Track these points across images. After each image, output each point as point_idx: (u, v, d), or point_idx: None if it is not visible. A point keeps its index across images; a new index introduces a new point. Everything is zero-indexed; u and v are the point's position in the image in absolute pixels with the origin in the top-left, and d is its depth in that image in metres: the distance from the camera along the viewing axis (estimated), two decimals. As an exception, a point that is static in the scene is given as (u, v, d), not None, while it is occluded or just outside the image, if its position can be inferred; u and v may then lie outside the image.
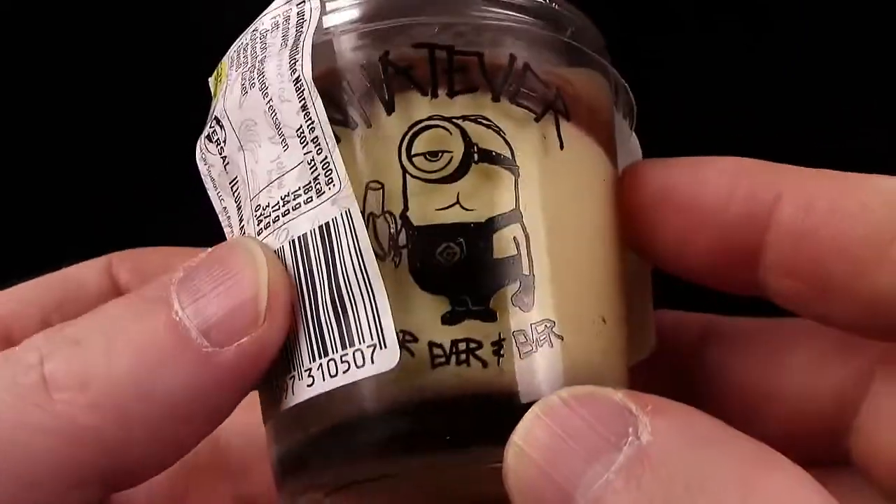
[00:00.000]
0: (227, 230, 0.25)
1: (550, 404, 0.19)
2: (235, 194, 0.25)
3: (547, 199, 0.23)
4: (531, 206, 0.22)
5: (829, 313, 0.24)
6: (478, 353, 0.21)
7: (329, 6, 0.24)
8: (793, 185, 0.24)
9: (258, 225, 0.24)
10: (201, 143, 0.25)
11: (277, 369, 0.23)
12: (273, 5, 0.24)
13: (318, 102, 0.22)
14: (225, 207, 0.25)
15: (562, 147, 0.23)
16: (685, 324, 0.29)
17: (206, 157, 0.25)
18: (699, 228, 0.25)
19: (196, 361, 0.21)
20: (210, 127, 0.25)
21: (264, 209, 0.23)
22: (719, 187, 0.25)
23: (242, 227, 0.24)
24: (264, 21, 0.24)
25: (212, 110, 0.25)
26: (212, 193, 0.25)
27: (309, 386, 0.22)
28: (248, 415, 0.24)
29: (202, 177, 0.25)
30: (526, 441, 0.19)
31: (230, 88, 0.24)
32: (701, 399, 0.26)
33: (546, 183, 0.23)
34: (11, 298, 0.25)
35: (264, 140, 0.23)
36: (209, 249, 0.23)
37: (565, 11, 0.25)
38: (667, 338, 0.28)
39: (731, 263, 0.25)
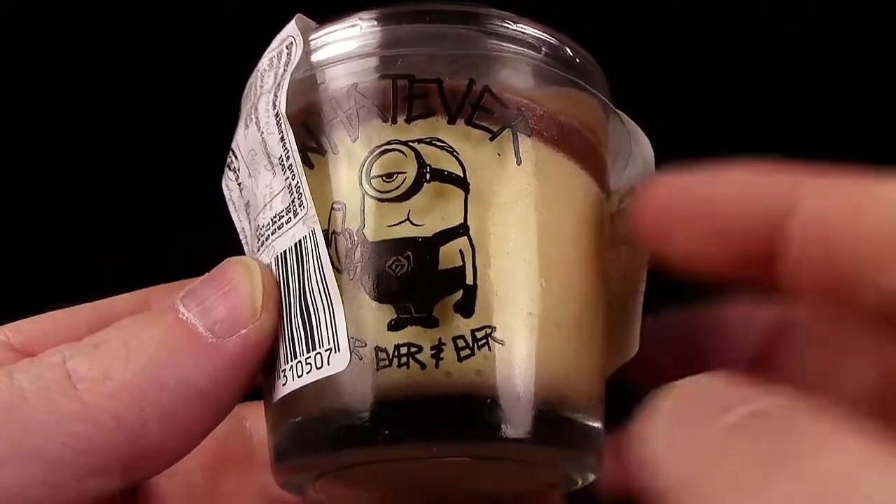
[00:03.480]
0: (245, 248, 0.29)
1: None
2: (248, 216, 0.28)
3: (498, 213, 0.24)
4: (479, 220, 0.24)
5: (853, 309, 0.24)
6: (417, 356, 0.23)
7: (314, 43, 0.26)
8: (812, 183, 0.24)
9: (257, 242, 0.27)
10: (225, 171, 0.29)
11: (268, 367, 0.26)
12: (273, 42, 0.27)
13: (290, 135, 0.25)
14: (242, 228, 0.29)
15: (519, 163, 0.25)
16: (749, 318, 0.29)
17: (227, 184, 0.29)
18: (719, 233, 0.25)
19: (204, 351, 0.24)
20: (229, 157, 0.28)
21: (261, 228, 0.27)
22: (736, 190, 0.25)
23: (251, 245, 0.28)
24: (264, 60, 0.27)
25: (232, 142, 0.29)
26: (233, 216, 0.29)
27: (283, 385, 0.25)
28: None
29: (226, 201, 0.29)
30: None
31: (241, 123, 0.28)
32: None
33: (498, 198, 0.25)
34: (46, 321, 0.28)
35: (262, 168, 0.27)
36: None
37: (545, 35, 0.27)
38: (729, 333, 0.29)
39: (754, 266, 0.25)
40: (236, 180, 0.28)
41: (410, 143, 0.25)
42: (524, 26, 0.27)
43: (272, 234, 0.26)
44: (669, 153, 0.29)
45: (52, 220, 0.40)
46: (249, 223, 0.28)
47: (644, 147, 0.30)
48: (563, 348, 0.24)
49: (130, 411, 0.23)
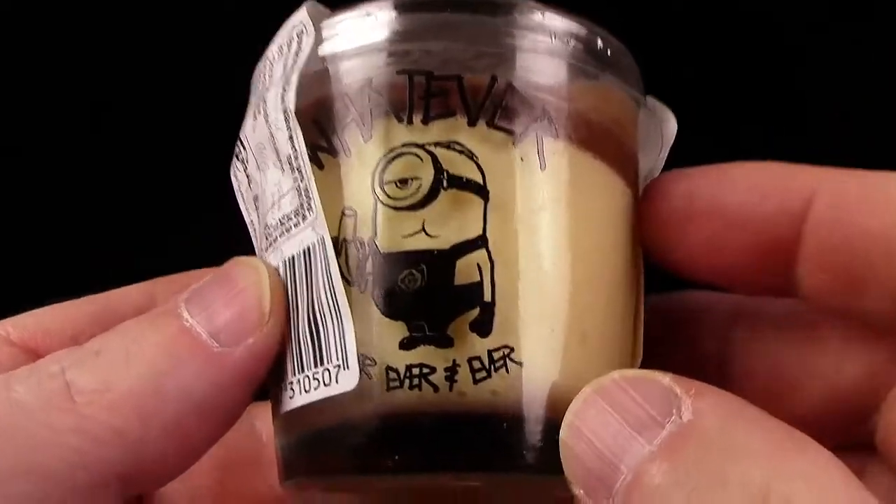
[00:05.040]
0: (254, 241, 0.28)
1: (603, 384, 0.21)
2: (257, 210, 0.27)
3: (519, 224, 0.23)
4: (499, 231, 0.23)
5: (862, 306, 0.24)
6: (430, 377, 0.22)
7: (326, 33, 0.25)
8: (825, 180, 0.24)
9: (266, 241, 0.25)
10: (233, 161, 0.27)
11: (275, 377, 0.25)
12: (282, 29, 0.26)
13: (299, 134, 0.23)
14: (251, 221, 0.27)
15: (543, 168, 0.23)
16: (714, 304, 0.29)
17: (236, 175, 0.27)
18: (732, 230, 0.25)
19: (208, 361, 0.23)
20: (237, 147, 0.27)
21: (269, 228, 0.25)
22: (750, 188, 0.25)
23: (259, 242, 0.26)
24: (272, 48, 0.26)
25: (240, 132, 0.27)
26: (242, 207, 0.28)
27: (290, 398, 0.24)
28: None
29: (235, 192, 0.28)
30: (578, 416, 0.21)
31: (249, 112, 0.26)
32: (731, 378, 0.27)
33: (520, 207, 0.23)
34: (47, 315, 0.27)
35: (270, 164, 0.25)
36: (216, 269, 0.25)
37: (574, 25, 0.25)
38: (696, 318, 0.28)
39: (766, 262, 0.25)
40: (244, 171, 0.27)
41: (427, 147, 0.23)
42: (551, 15, 0.25)
43: (280, 235, 0.25)
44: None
45: (51, 211, 0.39)
46: (258, 217, 0.27)
47: (671, 130, 0.28)
48: (588, 366, 0.23)
49: (130, 424, 0.22)
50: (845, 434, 0.26)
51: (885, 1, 0.36)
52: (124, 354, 0.23)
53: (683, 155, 0.28)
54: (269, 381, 0.25)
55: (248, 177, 0.27)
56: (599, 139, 0.25)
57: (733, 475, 0.19)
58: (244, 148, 0.26)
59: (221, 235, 0.28)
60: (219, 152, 0.28)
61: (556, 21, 0.25)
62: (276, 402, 0.25)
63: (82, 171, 0.39)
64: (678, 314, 0.28)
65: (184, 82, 0.38)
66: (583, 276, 0.24)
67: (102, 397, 0.22)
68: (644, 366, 0.25)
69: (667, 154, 0.28)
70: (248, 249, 0.27)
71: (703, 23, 0.37)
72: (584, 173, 0.24)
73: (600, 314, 0.24)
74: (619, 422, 0.20)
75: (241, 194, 0.27)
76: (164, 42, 0.39)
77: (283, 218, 0.24)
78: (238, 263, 0.25)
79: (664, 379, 0.21)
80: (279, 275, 0.24)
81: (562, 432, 0.21)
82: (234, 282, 0.24)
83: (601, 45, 0.25)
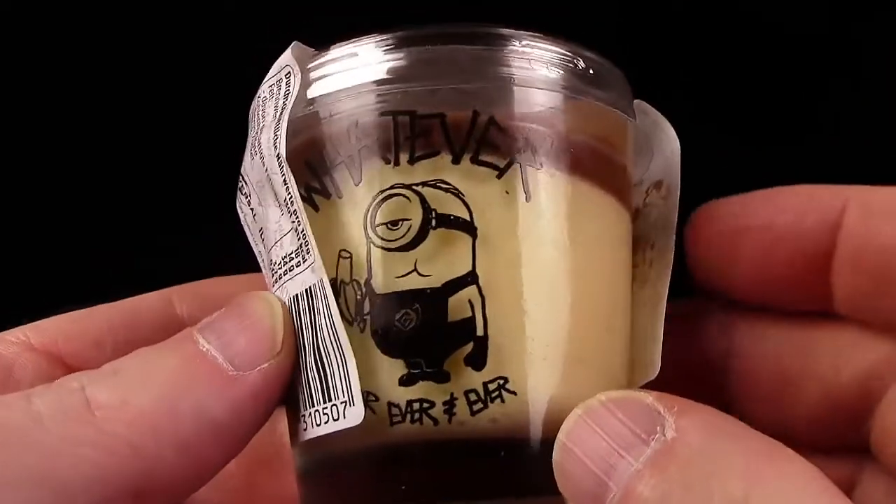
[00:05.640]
0: (263, 271, 0.29)
1: (591, 406, 0.23)
2: (263, 242, 0.28)
3: (507, 257, 0.24)
4: (488, 266, 0.24)
5: (891, 308, 0.26)
6: (430, 412, 0.23)
7: (312, 75, 0.25)
8: (857, 193, 0.27)
9: (271, 277, 0.27)
10: (238, 194, 0.28)
11: (291, 408, 0.26)
12: (272, 69, 0.26)
13: (292, 180, 0.24)
14: (259, 252, 0.29)
15: (528, 199, 0.24)
16: (716, 309, 0.30)
17: (241, 207, 0.28)
18: (778, 245, 0.28)
19: (223, 384, 0.24)
20: (240, 181, 0.28)
21: (274, 265, 0.26)
22: (794, 206, 0.28)
23: (266, 274, 0.28)
24: (264, 86, 0.27)
25: (241, 167, 0.28)
26: (249, 238, 0.29)
27: (304, 430, 0.25)
28: None
29: (241, 223, 0.29)
30: (569, 437, 0.23)
31: (247, 150, 0.27)
32: (733, 381, 0.29)
33: (507, 240, 0.24)
34: (67, 320, 0.28)
35: (271, 202, 0.26)
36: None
37: (555, 48, 0.25)
38: (699, 323, 0.30)
39: (808, 272, 0.27)
40: (248, 205, 0.28)
41: (414, 187, 0.24)
42: (531, 41, 0.25)
43: (284, 273, 0.26)
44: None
45: (51, 211, 0.40)
46: (265, 249, 0.28)
47: (670, 137, 0.29)
48: (586, 388, 0.24)
49: (146, 440, 0.23)
50: (844, 436, 0.27)
51: (885, 1, 0.36)
52: (142, 374, 0.24)
53: (691, 155, 0.28)
54: (287, 412, 0.26)
55: (251, 210, 0.28)
56: (586, 161, 0.25)
57: (717, 490, 0.20)
58: (246, 183, 0.27)
59: (224, 236, 0.29)
60: (221, 153, 0.29)
61: (536, 48, 0.25)
62: (293, 432, 0.26)
63: (82, 171, 0.40)
64: (682, 319, 0.29)
65: (187, 82, 0.39)
66: (576, 302, 0.24)
67: (120, 413, 0.23)
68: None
69: (679, 163, 0.28)
70: (250, 250, 0.28)
71: (702, 23, 0.36)
72: (571, 198, 0.25)
73: (595, 336, 0.25)
74: (607, 441, 0.22)
75: (248, 226, 0.29)
76: (165, 41, 0.39)
77: (286, 257, 0.25)
78: (251, 296, 0.26)
79: (648, 398, 0.22)
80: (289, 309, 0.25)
81: (555, 453, 0.23)
82: (248, 312, 0.25)
83: (582, 66, 0.25)
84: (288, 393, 0.26)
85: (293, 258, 0.25)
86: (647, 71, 0.28)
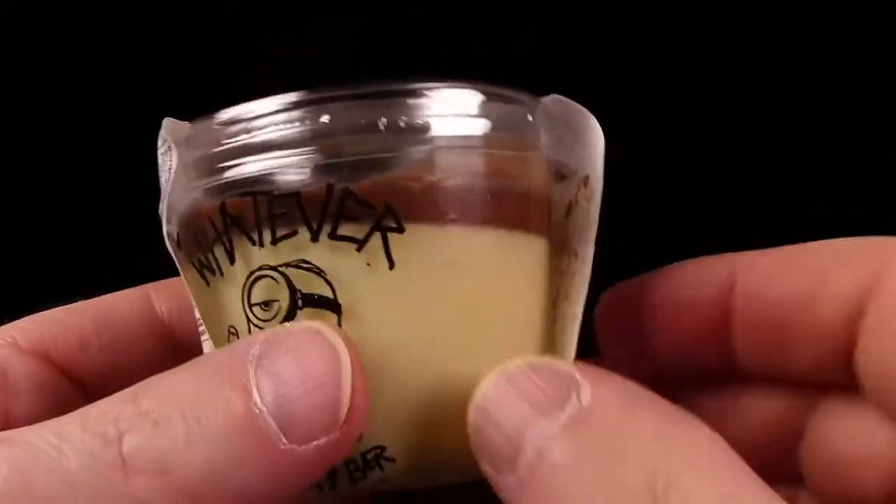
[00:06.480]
0: None
1: (509, 370, 0.23)
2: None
3: (373, 330, 0.24)
4: (356, 341, 0.24)
5: (786, 366, 0.28)
6: (319, 481, 0.25)
7: (184, 152, 0.26)
8: (745, 258, 0.28)
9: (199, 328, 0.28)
10: None
11: None
12: (159, 138, 0.27)
13: (180, 259, 0.25)
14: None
15: (392, 266, 0.24)
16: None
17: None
18: (678, 318, 0.29)
19: (273, 459, 0.22)
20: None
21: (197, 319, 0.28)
22: (687, 280, 0.29)
23: None
24: (158, 153, 0.27)
25: None
26: None
27: None
28: None
29: None
30: (485, 398, 0.23)
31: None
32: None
33: (371, 314, 0.24)
34: (51, 321, 0.27)
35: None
36: (287, 326, 0.24)
37: (425, 92, 0.24)
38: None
39: (709, 340, 0.29)
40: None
41: (279, 269, 0.24)
42: (401, 89, 0.24)
43: (202, 335, 0.27)
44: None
45: (51, 211, 0.41)
46: None
47: (594, 129, 0.27)
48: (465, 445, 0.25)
49: None
50: (780, 462, 0.28)
51: (885, 2, 0.31)
52: (184, 434, 0.21)
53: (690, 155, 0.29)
54: None
55: None
56: (463, 205, 0.24)
57: (631, 454, 0.21)
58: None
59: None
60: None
61: (393, 106, 0.24)
62: None
63: (82, 171, 0.41)
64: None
65: (187, 82, 0.39)
66: (454, 356, 0.24)
67: (158, 481, 0.21)
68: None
69: (602, 158, 0.27)
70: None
71: (702, 23, 0.33)
72: (444, 251, 0.24)
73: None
74: (523, 404, 0.22)
75: None
76: (165, 41, 0.40)
77: (198, 320, 0.27)
78: (316, 337, 0.23)
79: (566, 367, 0.23)
80: (362, 367, 0.23)
81: (470, 414, 0.23)
82: (312, 364, 0.22)
83: (463, 106, 0.24)
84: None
85: (200, 324, 0.27)
86: (647, 71, 0.27)
